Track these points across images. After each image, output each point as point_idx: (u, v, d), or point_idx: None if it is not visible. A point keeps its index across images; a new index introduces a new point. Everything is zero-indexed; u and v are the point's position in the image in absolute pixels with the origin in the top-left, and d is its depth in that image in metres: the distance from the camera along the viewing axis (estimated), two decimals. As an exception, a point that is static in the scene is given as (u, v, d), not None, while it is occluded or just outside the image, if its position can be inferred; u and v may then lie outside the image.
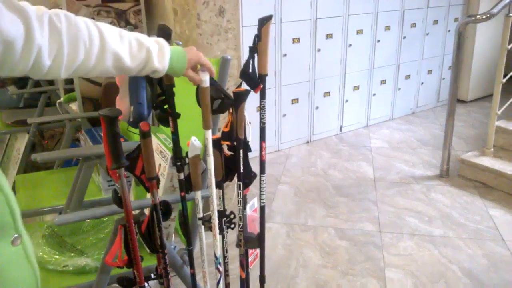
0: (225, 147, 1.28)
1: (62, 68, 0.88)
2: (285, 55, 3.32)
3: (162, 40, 1.06)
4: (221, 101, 1.23)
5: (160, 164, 1.55)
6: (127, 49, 0.98)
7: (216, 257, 1.33)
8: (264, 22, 1.20)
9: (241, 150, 1.26)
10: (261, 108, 1.29)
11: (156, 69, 1.03)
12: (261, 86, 1.22)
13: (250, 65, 1.20)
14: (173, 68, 1.07)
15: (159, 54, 1.03)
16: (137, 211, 1.42)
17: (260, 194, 1.36)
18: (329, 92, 3.69)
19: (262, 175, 1.35)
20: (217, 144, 1.24)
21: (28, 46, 0.80)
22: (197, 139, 1.22)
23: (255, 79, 1.22)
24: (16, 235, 0.71)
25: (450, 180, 3.00)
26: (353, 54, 3.72)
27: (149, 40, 1.03)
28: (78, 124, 2.40)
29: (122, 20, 2.61)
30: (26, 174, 2.32)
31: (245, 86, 1.24)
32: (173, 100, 1.21)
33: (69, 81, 2.81)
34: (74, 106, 2.82)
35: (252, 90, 1.23)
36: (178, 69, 1.08)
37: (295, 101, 3.51)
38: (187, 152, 1.24)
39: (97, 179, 2.07)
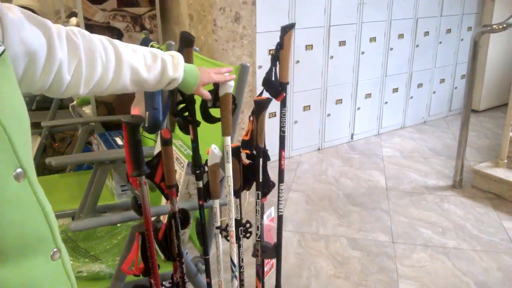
0: (243, 156, 1.27)
1: (81, 84, 0.89)
2: (298, 61, 3.31)
3: (175, 52, 1.07)
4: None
5: (176, 171, 1.53)
6: (142, 60, 0.99)
7: (233, 265, 1.32)
8: (286, 30, 1.19)
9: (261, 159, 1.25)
10: (282, 117, 1.28)
11: (172, 78, 1.04)
12: (284, 94, 1.21)
13: (273, 73, 1.18)
14: (186, 81, 1.07)
15: (173, 64, 1.04)
16: (153, 218, 1.41)
17: (278, 204, 1.35)
18: (341, 100, 3.67)
19: (280, 184, 1.34)
20: (236, 152, 1.23)
21: (50, 60, 0.81)
22: (217, 147, 1.21)
23: (276, 88, 1.21)
24: (55, 249, 0.69)
25: (463, 191, 2.97)
26: (366, 62, 3.70)
27: (162, 52, 1.05)
28: (91, 128, 2.39)
29: (137, 24, 2.62)
30: (38, 177, 2.32)
31: (265, 94, 1.23)
32: (193, 107, 1.20)
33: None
34: (87, 109, 2.82)
35: (274, 99, 1.22)
36: (191, 83, 1.08)
37: (306, 108, 3.49)
38: (206, 160, 1.23)
39: (110, 183, 2.06)
